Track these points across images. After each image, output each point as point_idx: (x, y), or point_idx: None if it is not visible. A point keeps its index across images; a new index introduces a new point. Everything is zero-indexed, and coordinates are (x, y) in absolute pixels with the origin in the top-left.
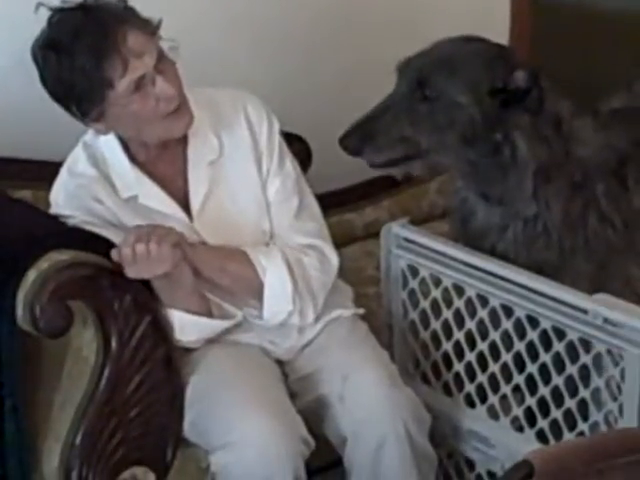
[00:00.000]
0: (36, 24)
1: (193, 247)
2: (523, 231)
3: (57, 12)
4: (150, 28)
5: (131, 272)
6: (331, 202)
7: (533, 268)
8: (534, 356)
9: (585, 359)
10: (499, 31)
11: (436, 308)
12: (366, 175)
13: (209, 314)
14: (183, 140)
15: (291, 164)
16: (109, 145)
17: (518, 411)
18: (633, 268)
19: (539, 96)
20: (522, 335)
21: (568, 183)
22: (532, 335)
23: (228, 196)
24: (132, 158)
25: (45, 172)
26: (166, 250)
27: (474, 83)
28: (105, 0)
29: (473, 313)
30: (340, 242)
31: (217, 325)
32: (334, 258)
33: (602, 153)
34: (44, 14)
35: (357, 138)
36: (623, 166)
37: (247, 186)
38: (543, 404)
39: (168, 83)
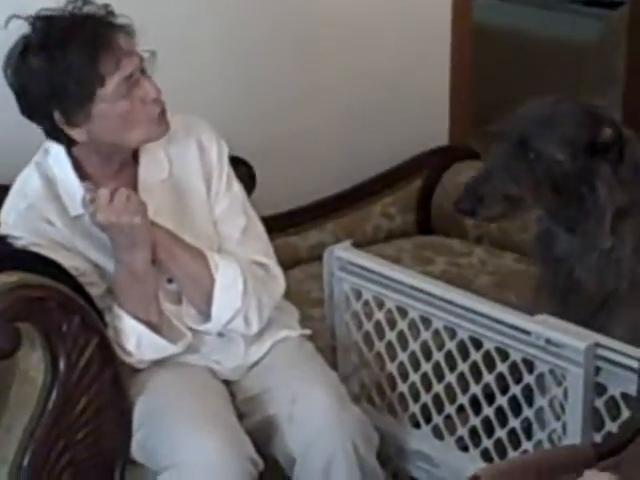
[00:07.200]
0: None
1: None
2: (598, 260)
3: (40, 19)
4: (132, 32)
5: (102, 215)
6: (275, 225)
7: (603, 295)
8: (478, 376)
9: (528, 379)
10: (440, 56)
11: (380, 330)
12: (310, 198)
13: (161, 329)
14: (134, 160)
15: (238, 187)
16: (59, 163)
17: (463, 431)
18: None
19: (620, 149)
20: (466, 356)
21: None
22: (476, 356)
23: (177, 215)
24: (82, 176)
25: None
26: (141, 202)
27: (570, 141)
28: (88, 6)
29: (417, 334)
30: (284, 265)
31: (170, 349)
32: (280, 277)
33: None
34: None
35: (469, 202)
36: None
37: (196, 206)
38: (487, 424)
39: (152, 85)
